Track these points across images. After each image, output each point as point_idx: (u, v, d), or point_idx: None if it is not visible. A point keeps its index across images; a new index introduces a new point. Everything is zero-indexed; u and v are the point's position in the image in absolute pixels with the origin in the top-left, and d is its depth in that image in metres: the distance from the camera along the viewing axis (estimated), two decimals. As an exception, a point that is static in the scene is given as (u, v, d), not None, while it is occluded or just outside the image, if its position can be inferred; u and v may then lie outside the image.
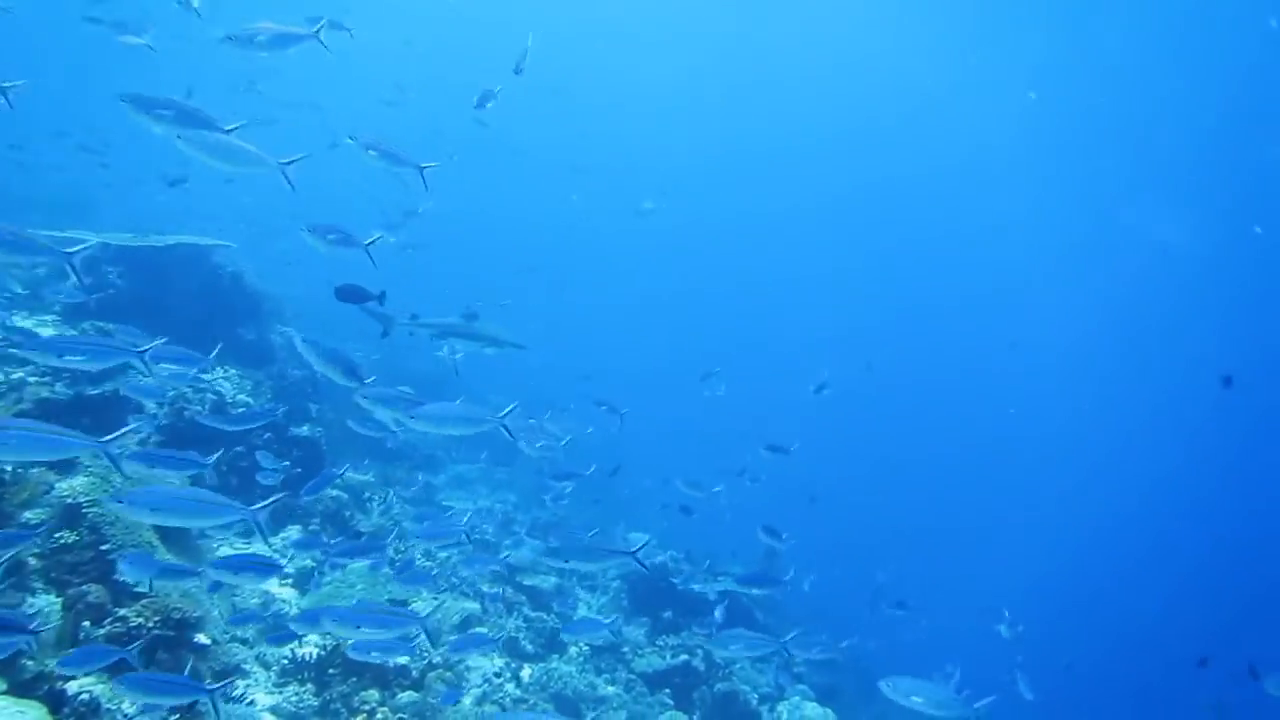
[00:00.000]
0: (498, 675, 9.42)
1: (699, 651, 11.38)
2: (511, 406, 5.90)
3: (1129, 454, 39.99)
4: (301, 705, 7.25)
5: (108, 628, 6.04)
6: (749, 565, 14.68)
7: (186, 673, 5.85)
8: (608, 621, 8.32)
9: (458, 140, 21.37)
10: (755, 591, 10.24)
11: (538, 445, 9.53)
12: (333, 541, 8.93)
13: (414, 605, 9.30)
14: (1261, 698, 9.66)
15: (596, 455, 12.75)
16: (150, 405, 9.32)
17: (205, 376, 9.85)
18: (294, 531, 9.88)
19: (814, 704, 12.02)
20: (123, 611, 6.13)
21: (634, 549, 6.00)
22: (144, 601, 6.27)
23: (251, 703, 6.89)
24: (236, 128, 5.61)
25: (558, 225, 43.02)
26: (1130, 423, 41.10)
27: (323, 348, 6.17)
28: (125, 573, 6.06)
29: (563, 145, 38.79)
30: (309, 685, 7.45)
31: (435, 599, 9.71)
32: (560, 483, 11.20)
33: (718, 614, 11.08)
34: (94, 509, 6.68)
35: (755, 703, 11.30)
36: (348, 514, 10.46)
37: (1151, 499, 37.08)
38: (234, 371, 10.56)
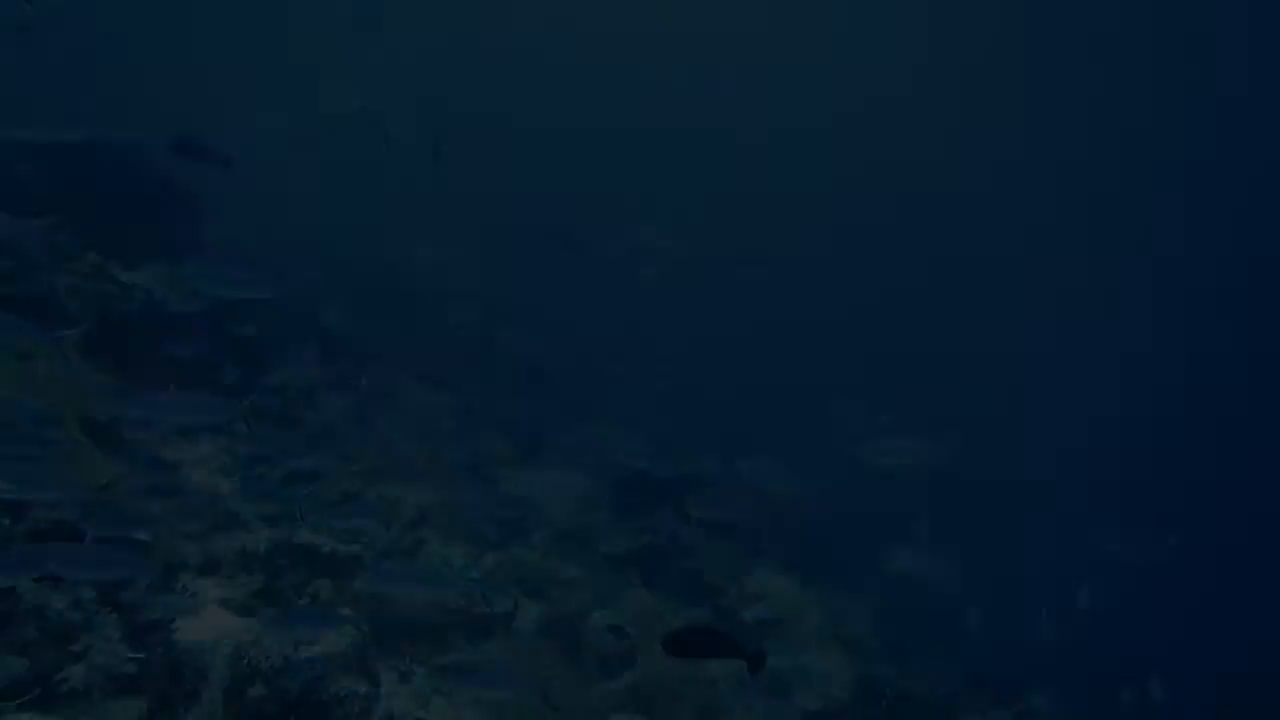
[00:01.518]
0: (459, 562, 9.38)
1: (664, 532, 11.47)
2: None
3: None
4: (251, 594, 7.13)
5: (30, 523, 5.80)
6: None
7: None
8: None
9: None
10: None
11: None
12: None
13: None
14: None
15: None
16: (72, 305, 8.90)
17: (128, 275, 9.35)
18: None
19: (780, 576, 12.20)
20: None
21: None
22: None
23: (196, 594, 6.74)
24: None
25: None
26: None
27: None
28: None
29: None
30: (258, 575, 7.33)
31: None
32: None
33: None
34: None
35: (721, 579, 11.43)
36: (294, 414, 10.20)
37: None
38: (164, 271, 10.05)
